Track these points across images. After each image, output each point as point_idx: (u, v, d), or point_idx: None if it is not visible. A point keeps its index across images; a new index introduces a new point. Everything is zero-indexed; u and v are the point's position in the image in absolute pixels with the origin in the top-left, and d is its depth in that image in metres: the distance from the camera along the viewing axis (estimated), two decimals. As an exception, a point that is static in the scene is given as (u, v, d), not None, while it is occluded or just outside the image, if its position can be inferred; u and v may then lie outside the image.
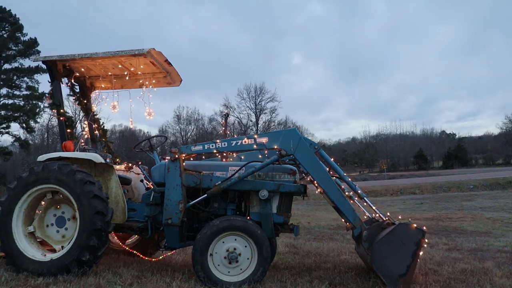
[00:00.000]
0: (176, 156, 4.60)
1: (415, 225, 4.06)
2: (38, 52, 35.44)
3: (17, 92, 36.32)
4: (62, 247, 4.44)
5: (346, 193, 4.66)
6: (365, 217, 4.89)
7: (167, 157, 4.73)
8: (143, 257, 5.33)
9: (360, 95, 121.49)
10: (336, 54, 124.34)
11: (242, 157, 5.06)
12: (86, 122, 5.81)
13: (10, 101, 36.13)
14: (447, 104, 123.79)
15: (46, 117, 41.69)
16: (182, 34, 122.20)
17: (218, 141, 4.73)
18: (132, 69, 5.50)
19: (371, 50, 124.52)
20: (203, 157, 5.39)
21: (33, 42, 35.78)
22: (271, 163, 4.52)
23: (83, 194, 4.29)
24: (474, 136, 78.57)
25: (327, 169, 4.64)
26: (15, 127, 36.93)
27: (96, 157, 4.69)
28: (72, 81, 5.47)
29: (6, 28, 35.27)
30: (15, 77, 36.11)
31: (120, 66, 5.37)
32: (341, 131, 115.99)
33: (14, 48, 35.86)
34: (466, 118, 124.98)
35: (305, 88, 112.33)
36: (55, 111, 5.12)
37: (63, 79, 5.30)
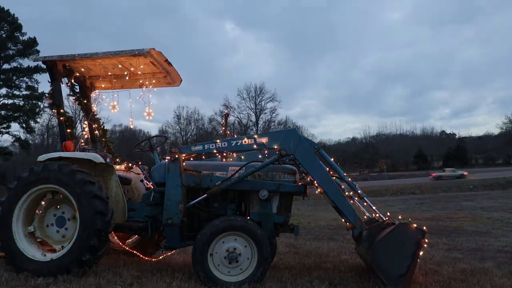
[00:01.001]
0: (176, 156, 4.60)
1: (415, 225, 4.06)
2: (37, 52, 35.42)
3: (16, 92, 36.35)
4: (62, 247, 4.43)
5: (346, 193, 4.66)
6: (365, 217, 4.88)
7: (167, 157, 4.73)
8: (143, 257, 5.33)
9: (329, 82, 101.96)
10: (279, 22, 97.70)
11: (242, 157, 5.05)
12: (86, 122, 5.80)
13: (10, 101, 36.17)
14: (439, 96, 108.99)
15: (46, 117, 41.67)
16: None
17: (218, 141, 4.73)
18: (132, 69, 5.50)
19: (324, 15, 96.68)
20: (203, 157, 5.39)
21: (32, 42, 35.75)
22: (271, 163, 4.52)
23: (83, 194, 4.28)
24: (474, 136, 78.67)
25: (327, 169, 4.64)
26: (15, 127, 36.98)
27: (96, 157, 4.68)
28: (72, 81, 5.46)
29: (5, 28, 35.22)
30: (14, 77, 36.08)
31: (120, 66, 5.37)
32: (327, 128, 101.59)
33: (13, 48, 35.83)
34: (462, 114, 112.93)
35: (256, 71, 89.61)
36: (55, 111, 5.11)
37: (63, 79, 5.30)
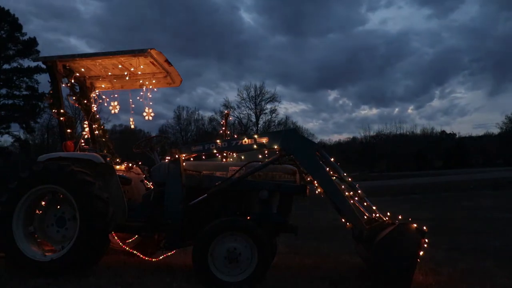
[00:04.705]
0: (176, 156, 4.60)
1: (415, 225, 4.06)
2: (38, 52, 35.45)
3: (16, 92, 36.37)
4: (63, 247, 4.44)
5: (346, 193, 4.66)
6: (365, 217, 4.88)
7: (167, 157, 4.73)
8: (143, 257, 5.32)
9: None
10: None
11: (242, 157, 5.06)
12: (86, 122, 5.81)
13: (10, 101, 36.16)
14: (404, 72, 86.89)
15: (46, 117, 41.55)
16: None
17: (218, 141, 4.73)
18: (132, 69, 5.50)
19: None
20: (203, 157, 5.39)
21: (32, 42, 35.76)
22: (271, 163, 4.52)
23: (83, 194, 4.29)
24: (474, 136, 78.35)
25: (327, 169, 4.64)
26: (15, 127, 36.95)
27: (96, 157, 4.69)
28: (72, 81, 5.47)
29: (5, 28, 35.22)
30: (14, 78, 36.09)
31: (120, 66, 5.38)
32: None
33: (13, 48, 35.83)
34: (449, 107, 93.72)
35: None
36: (55, 111, 5.12)
37: (63, 79, 5.30)
